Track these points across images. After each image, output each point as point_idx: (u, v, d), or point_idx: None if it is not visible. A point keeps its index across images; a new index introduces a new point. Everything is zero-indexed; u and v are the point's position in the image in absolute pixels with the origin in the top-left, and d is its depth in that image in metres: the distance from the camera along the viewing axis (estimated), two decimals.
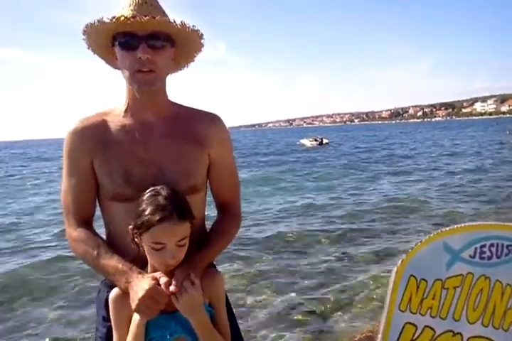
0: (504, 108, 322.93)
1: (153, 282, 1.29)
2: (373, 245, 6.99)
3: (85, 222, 1.51)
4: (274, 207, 10.84)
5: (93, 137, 1.48)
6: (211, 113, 1.61)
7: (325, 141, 43.76)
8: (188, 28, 1.43)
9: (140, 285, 1.29)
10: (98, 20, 1.37)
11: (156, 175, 1.45)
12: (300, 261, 6.41)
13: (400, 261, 1.30)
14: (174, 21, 1.40)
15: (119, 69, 1.48)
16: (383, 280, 5.31)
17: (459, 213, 8.91)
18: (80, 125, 1.50)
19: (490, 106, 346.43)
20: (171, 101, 1.58)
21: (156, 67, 1.40)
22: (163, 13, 1.44)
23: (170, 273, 1.33)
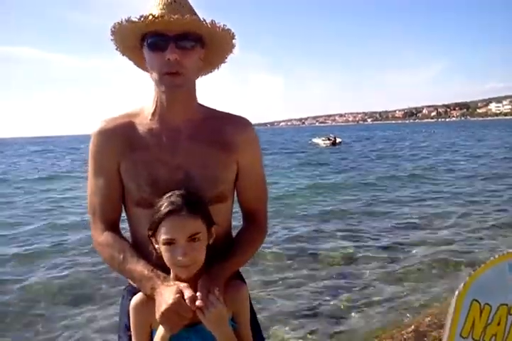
0: None
1: (178, 296, 1.23)
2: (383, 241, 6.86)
3: (112, 224, 1.46)
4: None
5: (120, 139, 1.43)
6: (240, 117, 1.55)
7: (338, 140, 43.40)
8: (219, 27, 1.36)
9: (165, 296, 1.24)
10: (126, 20, 1.31)
11: (182, 181, 1.39)
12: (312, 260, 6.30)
13: (461, 284, 1.22)
14: (204, 20, 1.33)
15: (148, 71, 1.43)
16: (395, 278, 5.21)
17: None
18: (106, 125, 1.45)
19: (505, 106, 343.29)
20: (200, 105, 1.52)
21: (184, 69, 1.34)
22: (193, 13, 1.38)
23: (192, 281, 1.29)
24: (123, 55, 1.47)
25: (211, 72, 1.57)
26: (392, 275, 5.69)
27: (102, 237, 1.43)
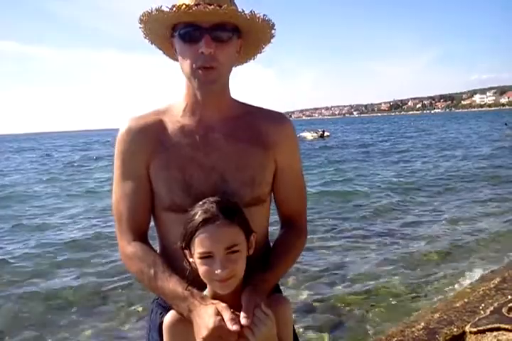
0: (504, 100, 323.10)
1: (218, 319, 1.11)
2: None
3: (140, 234, 1.34)
4: None
5: (149, 138, 1.31)
6: (276, 111, 1.44)
7: (326, 133, 43.63)
8: (259, 18, 1.25)
9: (204, 319, 1.12)
10: (156, 9, 1.20)
11: (217, 184, 1.28)
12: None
13: None
14: (243, 11, 1.22)
15: (177, 60, 1.31)
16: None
17: None
18: (134, 124, 1.33)
19: (489, 97, 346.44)
20: (234, 100, 1.41)
21: (219, 63, 1.23)
22: (230, 1, 1.26)
23: (232, 297, 1.17)
24: (152, 43, 1.36)
25: (246, 62, 1.46)
26: (397, 269, 5.65)
27: (130, 248, 1.30)
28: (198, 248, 1.13)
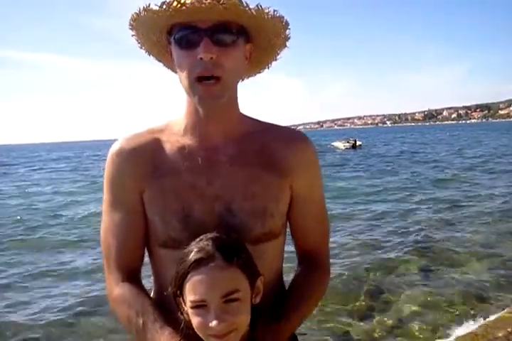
0: None
1: None
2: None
3: (131, 272, 1.15)
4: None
5: (143, 161, 1.12)
6: (295, 130, 1.22)
7: (358, 143, 42.91)
8: (267, 13, 1.03)
9: None
10: (144, 8, 1.00)
11: (221, 216, 1.08)
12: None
13: None
14: (247, 5, 0.99)
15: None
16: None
17: None
18: (126, 144, 1.14)
19: None
20: (244, 116, 1.20)
21: (222, 71, 1.01)
22: None
23: None
24: (149, 54, 1.17)
25: (259, 72, 1.24)
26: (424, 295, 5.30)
27: (117, 290, 1.11)
28: (189, 295, 0.93)
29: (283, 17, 1.05)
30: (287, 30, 1.08)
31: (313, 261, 1.22)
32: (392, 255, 6.68)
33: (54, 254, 7.79)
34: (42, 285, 6.18)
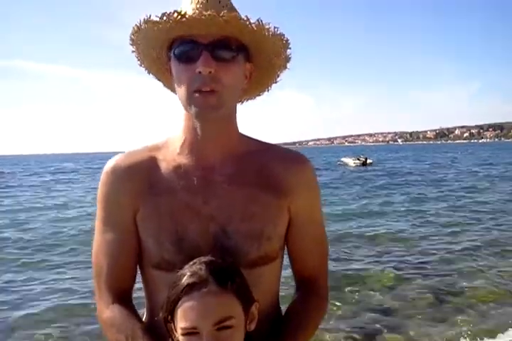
0: None
1: None
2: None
3: (122, 294, 1.11)
4: None
5: (138, 179, 1.10)
6: (294, 151, 1.19)
7: (369, 160, 42.53)
8: (268, 29, 1.01)
9: None
10: (145, 20, 0.98)
11: (216, 237, 1.05)
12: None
13: None
14: (248, 19, 0.98)
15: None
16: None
17: None
18: (121, 162, 1.12)
19: None
20: (242, 135, 1.17)
21: (222, 86, 1.00)
22: (231, 8, 1.04)
23: None
24: (149, 72, 1.15)
25: (259, 95, 1.22)
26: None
27: (108, 313, 1.07)
28: (180, 322, 0.89)
29: (283, 35, 1.02)
30: (288, 50, 1.06)
31: (311, 286, 1.18)
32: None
33: None
34: None
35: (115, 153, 1.16)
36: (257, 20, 0.98)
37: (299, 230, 1.14)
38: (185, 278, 0.90)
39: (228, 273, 0.93)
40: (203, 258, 0.94)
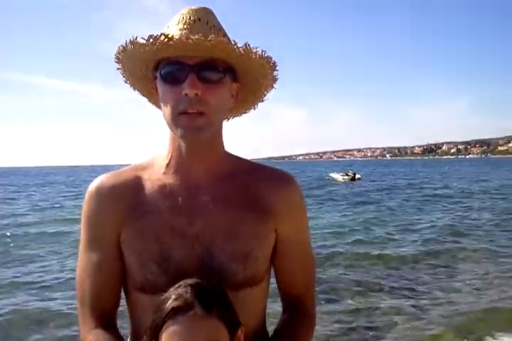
0: None
1: None
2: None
3: (106, 318, 1.09)
4: None
5: (122, 200, 1.08)
6: (281, 171, 1.18)
7: (358, 176, 42.69)
8: (255, 53, 1.01)
9: None
10: (131, 41, 0.98)
11: (201, 258, 1.03)
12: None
13: None
14: (235, 43, 0.98)
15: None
16: None
17: None
18: (106, 182, 1.10)
19: None
20: (228, 154, 1.16)
21: (207, 108, 0.99)
22: (219, 33, 1.03)
23: None
24: (134, 89, 1.14)
25: (245, 112, 1.22)
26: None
27: (90, 338, 1.04)
28: None
29: (271, 58, 1.03)
30: (275, 72, 1.06)
31: (298, 308, 1.17)
32: None
33: None
34: None
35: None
36: (245, 44, 0.98)
37: (285, 250, 1.12)
38: (169, 301, 0.88)
39: (214, 296, 0.91)
40: (189, 281, 0.92)
